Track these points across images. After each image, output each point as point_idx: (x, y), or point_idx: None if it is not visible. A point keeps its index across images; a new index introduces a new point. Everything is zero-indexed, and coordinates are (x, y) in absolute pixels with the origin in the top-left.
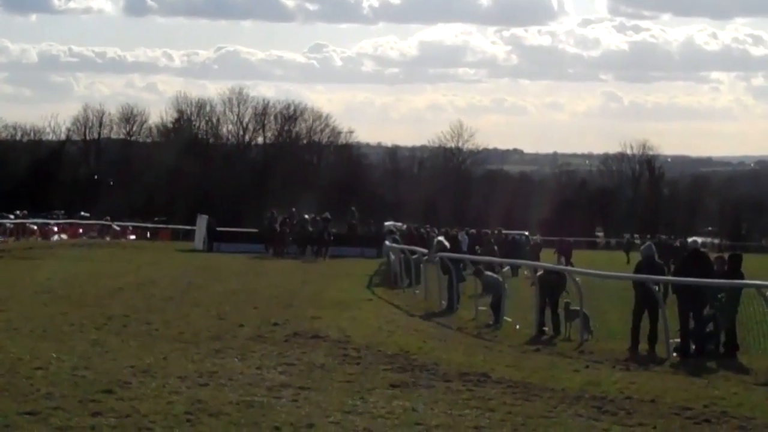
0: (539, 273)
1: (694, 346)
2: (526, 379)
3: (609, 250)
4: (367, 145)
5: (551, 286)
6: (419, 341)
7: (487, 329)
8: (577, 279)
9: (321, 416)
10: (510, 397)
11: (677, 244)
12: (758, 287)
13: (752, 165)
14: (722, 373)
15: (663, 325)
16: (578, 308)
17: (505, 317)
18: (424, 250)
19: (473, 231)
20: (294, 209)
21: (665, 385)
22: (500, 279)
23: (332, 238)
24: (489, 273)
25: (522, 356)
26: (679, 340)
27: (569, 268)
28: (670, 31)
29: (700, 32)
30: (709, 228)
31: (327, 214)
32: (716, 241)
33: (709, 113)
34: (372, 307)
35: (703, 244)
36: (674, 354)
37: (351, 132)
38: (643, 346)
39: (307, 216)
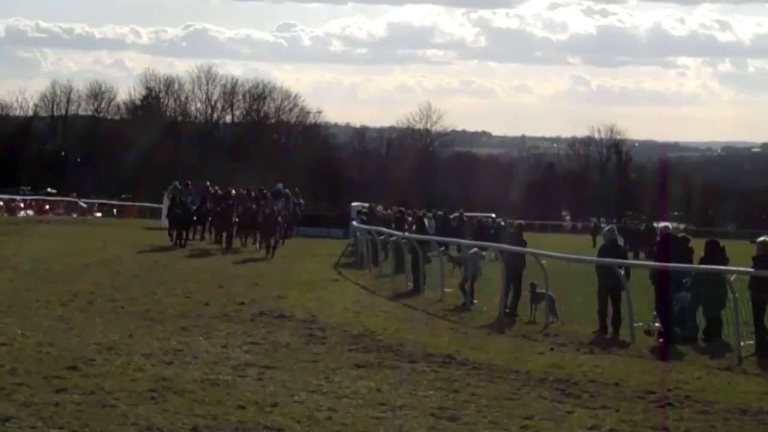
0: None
1: (678, 330)
2: (490, 361)
3: (575, 233)
4: (336, 126)
5: (516, 268)
6: (385, 322)
7: (453, 311)
8: (543, 262)
9: (285, 395)
10: (475, 378)
11: (642, 227)
12: (721, 273)
13: (719, 151)
14: (687, 358)
15: (627, 308)
16: (543, 291)
17: (474, 300)
18: (397, 232)
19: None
20: (281, 185)
21: (629, 369)
22: (479, 260)
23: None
24: (475, 250)
25: (487, 338)
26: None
27: (535, 250)
28: (637, 16)
29: (667, 17)
30: (676, 213)
31: (289, 190)
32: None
33: (676, 98)
34: (338, 287)
35: (675, 229)
36: (656, 337)
37: (319, 112)
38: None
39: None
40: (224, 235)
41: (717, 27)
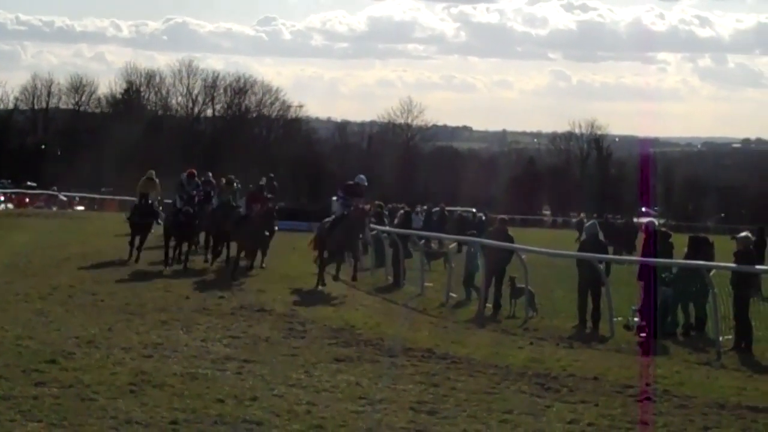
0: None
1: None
2: (470, 355)
3: (556, 228)
4: (317, 120)
5: (498, 263)
6: (365, 316)
7: (434, 305)
8: (523, 257)
9: (265, 389)
10: (454, 372)
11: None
12: (700, 268)
13: (699, 146)
14: (667, 353)
15: (607, 303)
16: (523, 285)
17: (451, 294)
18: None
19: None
20: (272, 175)
21: (608, 364)
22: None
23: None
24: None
25: (467, 332)
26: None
27: (517, 245)
28: (617, 11)
29: (647, 13)
30: (656, 208)
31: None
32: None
33: (656, 94)
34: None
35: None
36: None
37: (300, 106)
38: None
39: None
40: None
41: (697, 23)
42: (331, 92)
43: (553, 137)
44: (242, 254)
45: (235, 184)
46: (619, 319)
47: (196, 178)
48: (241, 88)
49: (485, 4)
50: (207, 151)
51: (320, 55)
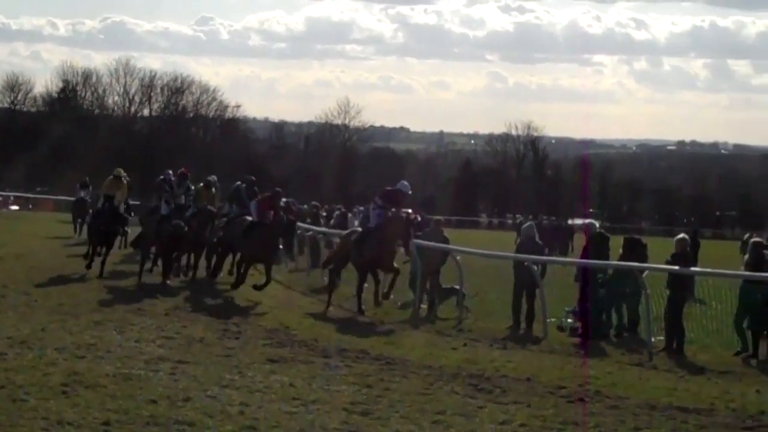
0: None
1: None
2: (404, 356)
3: (492, 230)
4: (254, 120)
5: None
6: (299, 317)
7: (369, 306)
8: (458, 258)
9: (198, 390)
10: (388, 373)
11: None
12: (633, 269)
13: (634, 148)
14: (600, 354)
15: (541, 304)
16: (451, 286)
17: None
18: (313, 227)
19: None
20: (253, 178)
21: (541, 364)
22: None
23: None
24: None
25: (401, 333)
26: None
27: (451, 246)
28: (554, 13)
29: (584, 15)
30: (591, 210)
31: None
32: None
33: (592, 96)
34: (253, 281)
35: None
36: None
37: (238, 106)
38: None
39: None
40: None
41: (633, 25)
42: (268, 92)
43: (490, 138)
44: (249, 267)
45: (213, 189)
46: (553, 320)
47: (188, 180)
48: (178, 88)
49: (423, 6)
50: (144, 151)
51: (258, 55)
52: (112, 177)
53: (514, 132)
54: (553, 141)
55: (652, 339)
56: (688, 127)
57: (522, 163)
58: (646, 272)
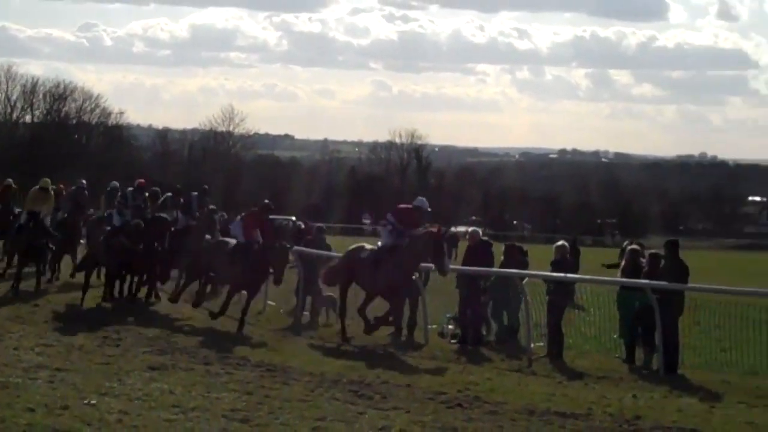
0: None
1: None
2: (285, 363)
3: (376, 237)
4: (138, 127)
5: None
6: (182, 325)
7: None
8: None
9: (76, 398)
10: (269, 380)
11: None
12: (513, 276)
13: (516, 156)
14: (479, 360)
15: (422, 311)
16: (330, 294)
17: (269, 302)
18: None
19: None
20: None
21: (422, 371)
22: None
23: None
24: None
25: (283, 340)
26: (445, 326)
27: (333, 254)
28: (438, 22)
29: (467, 24)
30: (474, 217)
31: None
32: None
33: (475, 105)
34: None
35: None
36: (452, 340)
37: (121, 113)
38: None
39: None
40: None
41: (515, 35)
42: (152, 99)
43: (374, 146)
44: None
45: (161, 199)
46: (434, 326)
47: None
48: (60, 95)
49: (307, 14)
50: (26, 158)
51: (142, 62)
52: (37, 188)
53: (398, 140)
54: (437, 149)
55: (532, 345)
56: (570, 136)
57: (406, 171)
58: (526, 279)
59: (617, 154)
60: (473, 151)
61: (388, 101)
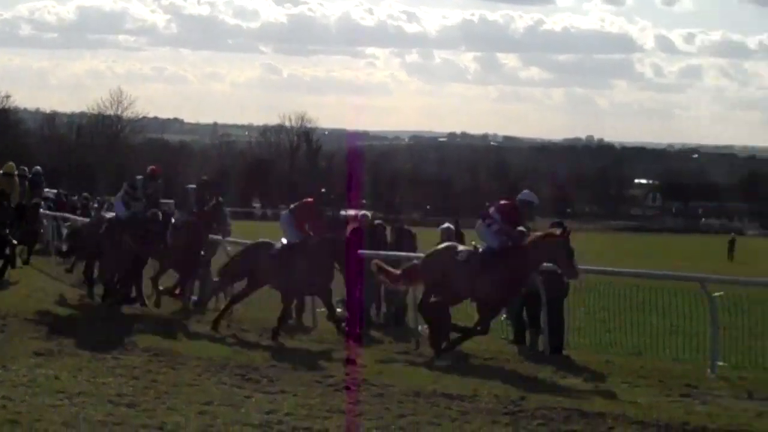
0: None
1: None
2: (173, 348)
3: (266, 221)
4: (25, 111)
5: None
6: (68, 310)
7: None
8: (229, 248)
9: None
10: (156, 365)
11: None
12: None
13: (406, 140)
14: (367, 343)
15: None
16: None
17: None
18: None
19: None
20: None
21: (310, 354)
22: None
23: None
24: None
25: (172, 325)
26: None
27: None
28: (327, 6)
29: (356, 7)
30: (364, 201)
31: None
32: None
33: (365, 88)
34: (21, 274)
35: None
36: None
37: (8, 97)
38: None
39: None
40: None
41: (404, 18)
42: (39, 83)
43: (264, 130)
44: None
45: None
46: (322, 309)
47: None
48: None
49: None
50: None
51: (28, 45)
52: (2, 173)
53: (287, 123)
54: (327, 133)
55: (420, 328)
56: (459, 119)
57: (295, 155)
58: (415, 261)
59: (506, 137)
60: (363, 134)
61: (278, 84)
